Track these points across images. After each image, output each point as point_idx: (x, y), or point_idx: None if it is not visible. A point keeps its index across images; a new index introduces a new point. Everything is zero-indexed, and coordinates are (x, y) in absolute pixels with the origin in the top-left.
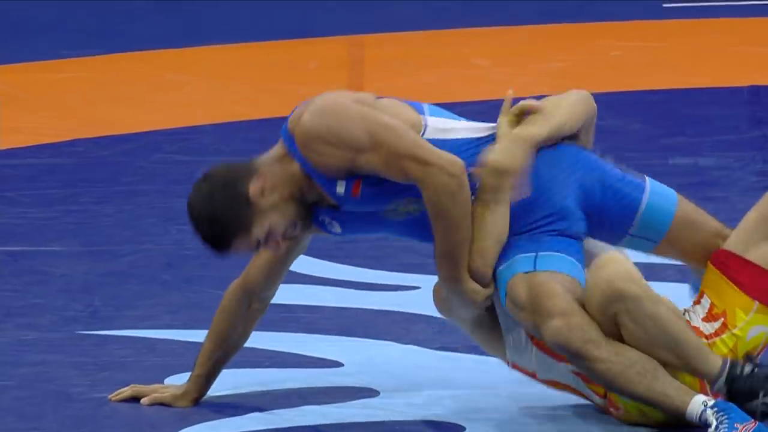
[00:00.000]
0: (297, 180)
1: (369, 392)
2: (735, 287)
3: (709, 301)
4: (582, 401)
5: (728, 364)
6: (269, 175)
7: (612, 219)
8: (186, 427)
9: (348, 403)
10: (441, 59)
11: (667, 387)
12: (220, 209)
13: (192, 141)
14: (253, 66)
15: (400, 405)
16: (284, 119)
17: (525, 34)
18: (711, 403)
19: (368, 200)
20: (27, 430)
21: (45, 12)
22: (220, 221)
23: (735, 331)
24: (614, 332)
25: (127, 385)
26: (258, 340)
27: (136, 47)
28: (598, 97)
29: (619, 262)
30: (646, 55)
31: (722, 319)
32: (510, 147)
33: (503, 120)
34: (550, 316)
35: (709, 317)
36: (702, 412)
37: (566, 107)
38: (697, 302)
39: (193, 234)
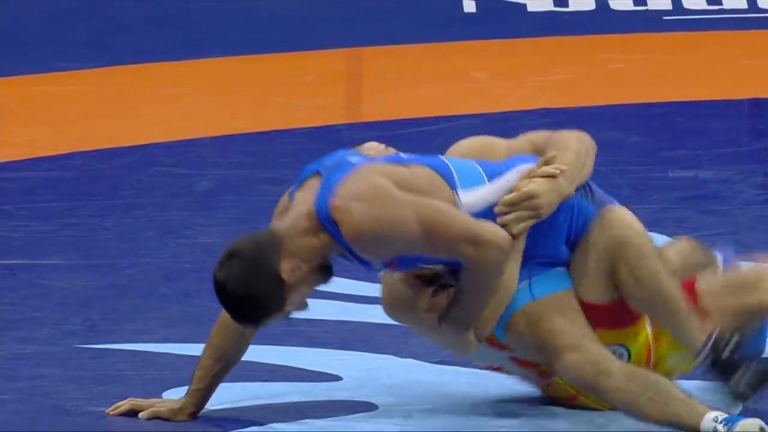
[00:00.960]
0: (327, 251)
1: (368, 406)
2: (614, 330)
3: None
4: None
5: (712, 340)
6: (298, 252)
7: None
8: None
9: (347, 417)
10: (440, 72)
11: (678, 409)
12: (255, 290)
13: (190, 154)
14: (250, 79)
15: (398, 419)
16: (282, 132)
17: (524, 47)
18: (721, 418)
19: (402, 267)
20: None
21: (43, 25)
22: (256, 302)
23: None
24: (612, 273)
25: (124, 399)
26: (257, 353)
27: (133, 60)
28: (598, 110)
29: (626, 212)
30: (646, 67)
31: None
32: (552, 186)
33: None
34: (559, 354)
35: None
36: (714, 429)
37: (585, 160)
38: None
39: (191, 248)
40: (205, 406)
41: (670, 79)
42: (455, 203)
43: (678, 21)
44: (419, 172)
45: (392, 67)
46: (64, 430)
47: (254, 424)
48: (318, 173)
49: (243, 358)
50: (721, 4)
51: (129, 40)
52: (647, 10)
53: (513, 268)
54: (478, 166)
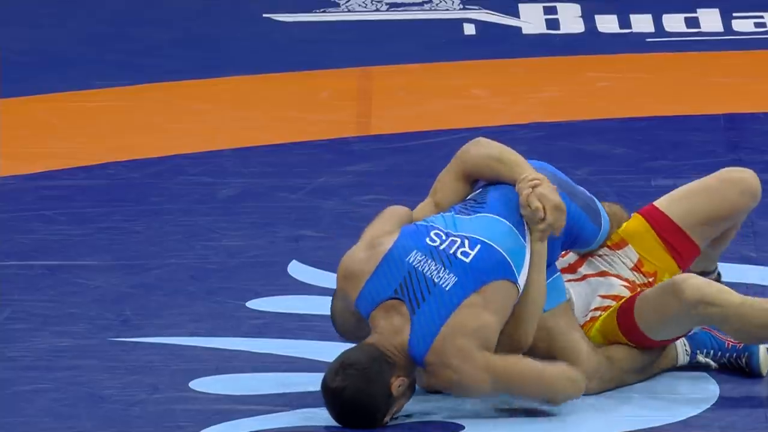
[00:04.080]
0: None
1: None
2: (668, 252)
3: (637, 255)
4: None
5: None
6: (402, 369)
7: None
8: (209, 426)
9: None
10: (443, 90)
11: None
12: (372, 400)
13: (213, 164)
14: (269, 95)
15: (405, 405)
16: (297, 144)
17: (519, 67)
18: None
19: None
20: (62, 429)
21: (79, 47)
22: (369, 412)
23: None
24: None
25: (154, 388)
26: (275, 346)
27: (162, 78)
28: (587, 124)
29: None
30: (630, 85)
31: (651, 278)
32: (554, 190)
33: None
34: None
35: (638, 270)
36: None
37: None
38: (617, 247)
39: (215, 250)
40: (244, 393)
41: (652, 95)
42: (518, 294)
43: (659, 42)
44: (494, 287)
45: (399, 85)
46: (98, 415)
47: (275, 410)
48: (398, 299)
49: (260, 351)
50: (700, 27)
51: (158, 61)
52: (631, 32)
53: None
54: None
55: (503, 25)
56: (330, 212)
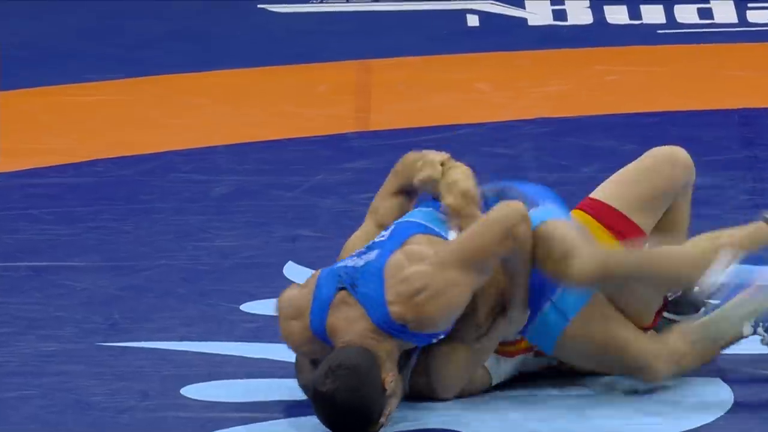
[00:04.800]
0: (397, 353)
1: None
2: (616, 239)
3: None
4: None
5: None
6: (389, 362)
7: None
8: None
9: None
10: (444, 84)
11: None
12: (368, 402)
13: (207, 161)
14: (265, 89)
15: (405, 410)
16: (294, 140)
17: (524, 60)
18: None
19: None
20: None
21: (72, 39)
22: (365, 414)
23: None
24: None
25: (144, 395)
26: (270, 351)
27: (156, 72)
28: (595, 119)
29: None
30: (640, 79)
31: None
32: (466, 172)
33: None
34: (646, 365)
35: None
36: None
37: None
38: None
39: (207, 250)
40: (237, 400)
41: (663, 89)
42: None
43: (671, 34)
44: (423, 239)
45: (399, 79)
46: (86, 422)
47: (278, 417)
48: (344, 289)
49: (255, 356)
50: (713, 18)
51: (152, 54)
52: (642, 24)
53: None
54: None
55: (508, 16)
56: (328, 211)
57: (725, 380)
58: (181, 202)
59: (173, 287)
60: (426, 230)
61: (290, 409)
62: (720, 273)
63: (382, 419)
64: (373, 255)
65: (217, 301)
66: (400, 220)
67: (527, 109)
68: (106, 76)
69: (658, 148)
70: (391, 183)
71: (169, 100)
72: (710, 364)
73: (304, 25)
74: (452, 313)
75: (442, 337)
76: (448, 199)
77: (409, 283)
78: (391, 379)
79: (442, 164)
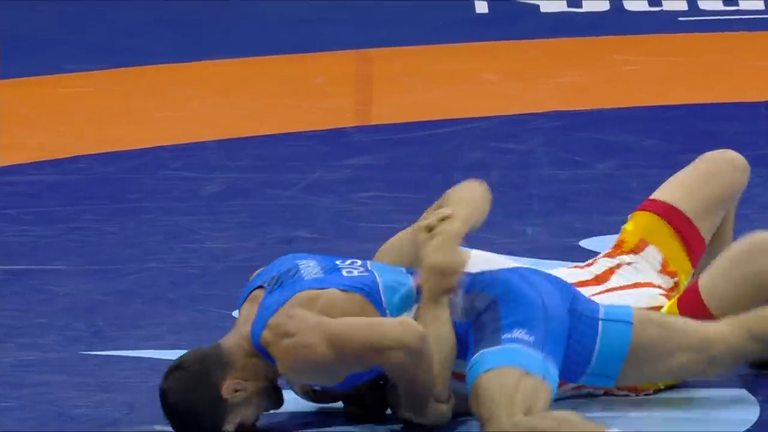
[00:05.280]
0: (272, 372)
1: None
2: (686, 253)
3: (662, 255)
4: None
5: None
6: (242, 370)
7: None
8: None
9: None
10: (450, 74)
11: None
12: (195, 406)
13: (197, 157)
14: (258, 81)
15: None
16: (290, 135)
17: (536, 49)
18: None
19: (351, 384)
20: None
21: (50, 27)
22: (195, 417)
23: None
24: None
25: (130, 407)
26: None
27: (141, 62)
28: (612, 113)
29: None
30: (661, 69)
31: (676, 279)
32: (443, 245)
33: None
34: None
35: (665, 272)
36: None
37: (472, 205)
38: (638, 250)
39: (198, 253)
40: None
41: (685, 81)
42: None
43: (694, 22)
44: (353, 299)
45: (403, 69)
46: None
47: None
48: (262, 287)
49: None
50: (738, 5)
51: (137, 43)
52: (662, 11)
53: (446, 315)
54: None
55: (519, 2)
56: (326, 210)
57: (753, 394)
58: (170, 201)
59: (162, 292)
60: (370, 293)
61: (285, 423)
62: None
63: (227, 427)
64: (325, 274)
65: (208, 307)
66: (376, 263)
67: (539, 101)
68: (87, 67)
69: (713, 152)
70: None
71: (156, 92)
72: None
73: (301, 12)
74: (312, 376)
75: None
76: (421, 276)
77: (290, 323)
78: (235, 387)
79: (429, 228)
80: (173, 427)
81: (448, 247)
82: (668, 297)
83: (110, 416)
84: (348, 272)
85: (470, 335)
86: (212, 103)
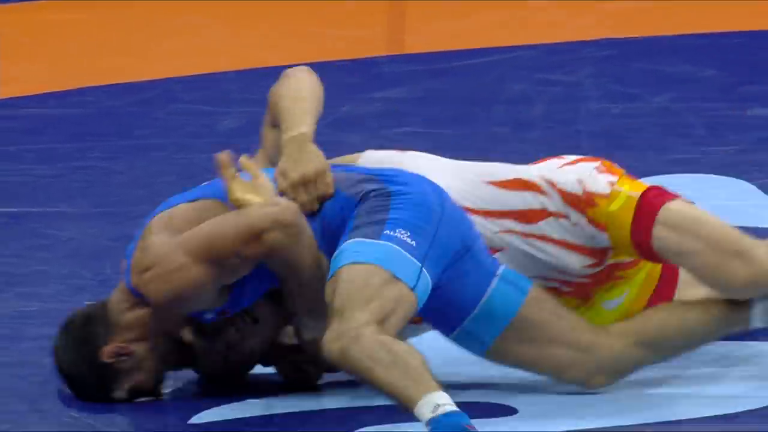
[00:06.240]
0: (166, 323)
1: None
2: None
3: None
4: None
5: None
6: (127, 330)
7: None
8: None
9: None
10: None
11: (409, 380)
12: (79, 371)
13: (213, 89)
14: (280, 6)
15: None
16: (316, 65)
17: None
18: (440, 412)
19: (238, 301)
20: (28, 413)
21: None
22: (80, 381)
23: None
24: None
25: None
26: None
27: None
28: (669, 40)
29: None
30: None
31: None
32: (294, 152)
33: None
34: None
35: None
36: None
37: (312, 98)
38: (594, 224)
39: None
40: (317, 408)
41: (749, 5)
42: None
43: None
44: (206, 206)
45: None
46: (71, 395)
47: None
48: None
49: None
50: None
51: None
52: None
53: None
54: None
55: None
56: (355, 147)
57: None
58: (184, 137)
59: None
60: (225, 197)
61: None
62: None
63: (117, 393)
64: (172, 198)
65: None
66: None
67: (588, 28)
68: None
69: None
70: (268, 114)
71: (164, 19)
72: None
73: None
74: (184, 300)
75: (210, 317)
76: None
77: (144, 254)
78: (118, 351)
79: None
80: (66, 386)
81: (301, 151)
82: (592, 278)
83: None
84: (203, 187)
85: (350, 218)
86: (228, 31)
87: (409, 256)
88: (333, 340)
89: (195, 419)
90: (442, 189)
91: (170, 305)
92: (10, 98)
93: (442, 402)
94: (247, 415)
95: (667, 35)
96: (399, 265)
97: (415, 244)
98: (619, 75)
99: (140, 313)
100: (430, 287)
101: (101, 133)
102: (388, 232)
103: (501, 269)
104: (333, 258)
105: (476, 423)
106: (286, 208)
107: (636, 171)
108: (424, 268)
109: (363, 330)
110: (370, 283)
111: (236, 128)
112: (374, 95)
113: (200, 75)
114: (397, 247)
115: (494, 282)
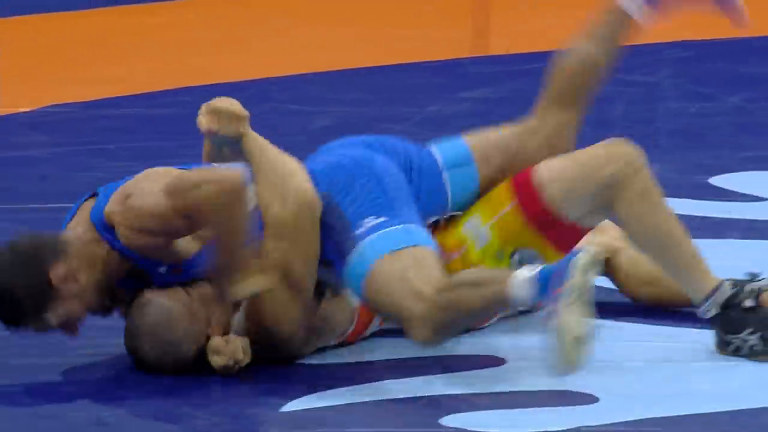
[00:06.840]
0: (109, 265)
1: (495, 360)
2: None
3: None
4: None
5: (729, 287)
6: (78, 259)
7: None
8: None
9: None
10: (573, 0)
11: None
12: (17, 288)
13: (305, 89)
14: (368, 8)
15: (527, 377)
16: (402, 67)
17: None
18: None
19: (189, 272)
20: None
21: None
22: (14, 300)
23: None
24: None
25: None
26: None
27: None
28: (746, 42)
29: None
30: None
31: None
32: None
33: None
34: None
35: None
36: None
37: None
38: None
39: None
40: (403, 396)
41: None
42: None
43: None
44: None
45: None
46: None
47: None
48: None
49: None
50: None
51: None
52: None
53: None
54: None
55: None
56: None
57: None
58: (277, 135)
59: None
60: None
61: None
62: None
63: (48, 314)
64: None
65: None
66: None
67: (668, 30)
68: None
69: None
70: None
71: (256, 20)
72: None
73: None
74: (152, 236)
75: (162, 271)
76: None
77: (135, 186)
78: (66, 274)
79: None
80: None
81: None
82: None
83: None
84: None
85: (326, 243)
86: (319, 32)
87: (388, 229)
88: (418, 331)
89: (286, 407)
90: (366, 140)
91: (132, 235)
92: (114, 97)
93: (524, 272)
94: (335, 404)
95: (743, 37)
96: (389, 242)
97: (385, 219)
98: (696, 75)
99: (93, 248)
100: (424, 228)
101: (195, 132)
102: (359, 230)
103: (439, 160)
104: (348, 286)
105: (557, 412)
106: (237, 176)
107: (712, 168)
108: (405, 224)
109: (429, 301)
110: (391, 276)
111: (327, 127)
112: (460, 95)
113: (291, 75)
114: (374, 235)
115: (445, 176)
